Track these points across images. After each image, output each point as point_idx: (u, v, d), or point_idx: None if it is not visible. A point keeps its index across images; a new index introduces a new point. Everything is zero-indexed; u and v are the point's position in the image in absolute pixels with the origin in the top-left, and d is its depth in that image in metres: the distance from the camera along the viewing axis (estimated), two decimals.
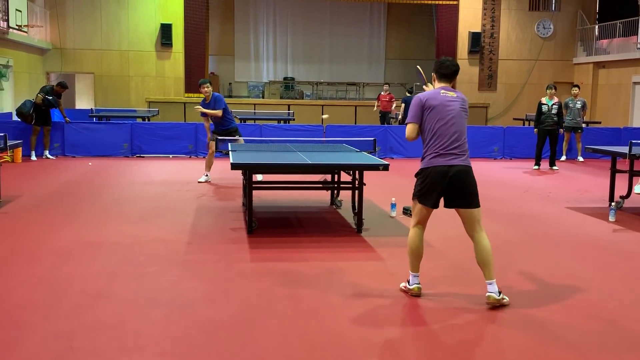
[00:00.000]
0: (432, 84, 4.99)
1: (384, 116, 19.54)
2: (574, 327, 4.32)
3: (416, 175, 4.82)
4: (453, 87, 4.94)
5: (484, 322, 4.41)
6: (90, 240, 6.52)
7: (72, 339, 3.98)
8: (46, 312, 4.45)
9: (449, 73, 4.88)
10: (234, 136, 10.08)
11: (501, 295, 4.60)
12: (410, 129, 4.83)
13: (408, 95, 18.15)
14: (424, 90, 5.01)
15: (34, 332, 4.08)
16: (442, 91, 4.78)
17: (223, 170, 11.36)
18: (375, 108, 19.88)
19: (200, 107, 10.29)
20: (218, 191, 9.85)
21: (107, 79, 21.68)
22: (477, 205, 4.68)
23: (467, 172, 4.65)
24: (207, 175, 10.67)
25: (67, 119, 14.21)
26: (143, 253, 6.08)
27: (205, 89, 10.29)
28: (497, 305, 4.59)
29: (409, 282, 4.86)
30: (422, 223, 4.82)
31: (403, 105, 17.53)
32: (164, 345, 3.95)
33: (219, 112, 10.14)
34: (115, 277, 5.31)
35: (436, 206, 4.74)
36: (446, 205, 4.74)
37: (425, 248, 4.92)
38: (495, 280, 4.62)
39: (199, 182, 10.57)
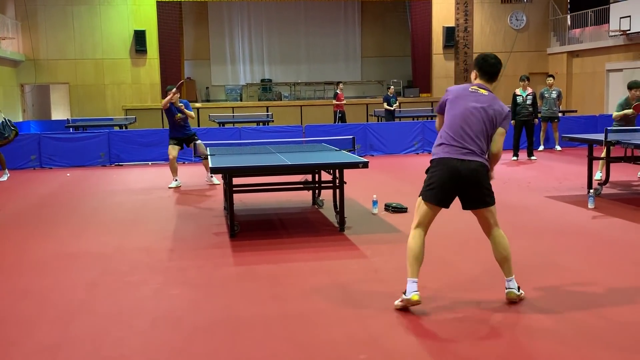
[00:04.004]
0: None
1: (344, 116, 18.92)
2: (554, 314, 4.36)
3: (426, 171, 4.56)
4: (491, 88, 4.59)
5: (477, 314, 4.43)
6: (71, 252, 6.46)
7: (56, 351, 3.93)
8: (29, 325, 4.39)
9: (490, 72, 4.56)
10: (196, 141, 10.53)
11: (520, 290, 4.58)
12: (437, 120, 4.73)
13: (387, 94, 18.17)
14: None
15: (16, 346, 4.03)
16: (473, 87, 4.54)
17: (203, 175, 11.31)
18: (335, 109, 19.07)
19: (182, 106, 10.57)
20: (198, 196, 9.81)
21: (83, 89, 21.51)
22: (492, 203, 4.50)
23: (478, 169, 4.38)
24: (176, 180, 10.67)
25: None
26: (125, 262, 6.03)
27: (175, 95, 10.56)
28: (516, 301, 4.55)
29: (405, 292, 4.41)
30: (423, 224, 4.49)
31: (384, 103, 17.75)
32: (149, 354, 3.92)
33: (192, 114, 10.70)
34: (97, 287, 5.26)
35: (441, 205, 4.45)
36: (463, 207, 4.53)
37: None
38: (514, 276, 4.57)
39: (169, 187, 10.57)
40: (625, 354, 3.74)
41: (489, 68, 4.57)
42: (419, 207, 4.51)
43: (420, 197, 4.51)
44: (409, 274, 4.42)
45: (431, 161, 4.53)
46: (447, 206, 4.49)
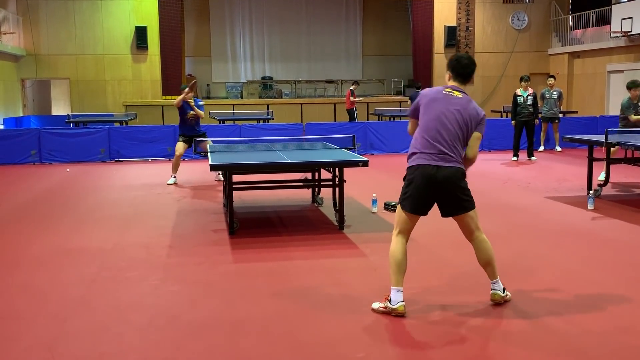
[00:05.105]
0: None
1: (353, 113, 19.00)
2: (553, 313, 4.36)
3: (403, 178, 4.46)
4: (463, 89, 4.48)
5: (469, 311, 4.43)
6: (69, 247, 6.46)
7: (53, 347, 3.93)
8: (27, 321, 4.39)
9: (463, 73, 4.43)
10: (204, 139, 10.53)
11: (505, 292, 4.58)
12: (409, 125, 4.58)
13: (416, 90, 18.09)
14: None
15: (14, 342, 4.03)
16: (447, 89, 4.42)
17: (204, 172, 11.32)
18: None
19: (193, 104, 10.52)
20: (198, 193, 9.80)
21: (83, 84, 21.48)
22: (471, 207, 4.40)
23: (454, 175, 4.28)
24: (174, 177, 10.67)
25: None
26: (124, 258, 6.03)
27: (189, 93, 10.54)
28: (501, 302, 4.54)
29: (389, 300, 4.33)
30: (403, 232, 4.41)
31: (410, 102, 17.65)
32: (147, 350, 3.92)
33: (202, 113, 10.60)
34: (96, 283, 5.26)
35: (418, 213, 4.37)
36: (442, 215, 4.46)
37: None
38: (499, 278, 4.55)
39: (167, 184, 10.57)
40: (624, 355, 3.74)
41: (462, 69, 4.43)
42: (398, 215, 4.44)
43: (399, 205, 4.44)
44: (392, 282, 4.34)
45: (407, 169, 4.43)
46: (424, 214, 4.41)
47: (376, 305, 4.44)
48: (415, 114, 4.51)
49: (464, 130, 4.34)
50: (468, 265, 5.46)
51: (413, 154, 4.41)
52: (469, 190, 4.42)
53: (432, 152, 4.29)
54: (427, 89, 4.56)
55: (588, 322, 4.22)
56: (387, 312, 4.35)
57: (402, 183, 4.48)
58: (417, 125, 4.47)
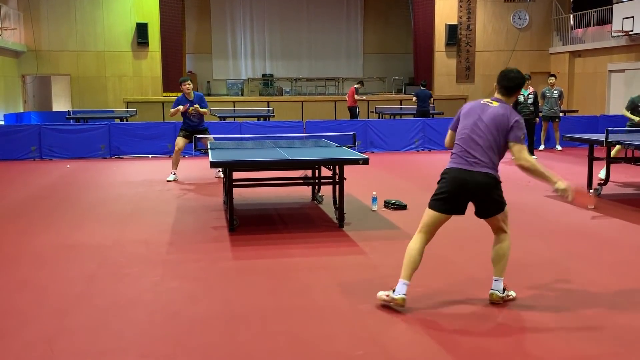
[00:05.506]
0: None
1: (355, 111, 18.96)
2: (552, 313, 4.36)
3: (438, 181, 4.55)
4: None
5: (477, 310, 4.44)
6: (69, 243, 6.46)
7: (53, 343, 3.94)
8: (26, 316, 4.39)
9: (507, 86, 4.53)
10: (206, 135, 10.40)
11: (505, 292, 4.59)
12: (447, 137, 4.72)
13: (422, 88, 18.04)
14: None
15: (14, 338, 4.03)
16: (486, 100, 4.56)
17: (204, 169, 11.32)
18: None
19: (182, 107, 10.35)
20: (198, 190, 9.80)
21: (84, 80, 21.47)
22: (501, 210, 4.50)
23: (485, 182, 4.37)
24: (174, 174, 10.66)
25: None
26: (124, 254, 6.03)
27: (187, 86, 10.40)
28: (499, 302, 4.55)
29: (394, 290, 4.43)
30: (425, 231, 4.49)
31: (414, 98, 17.61)
32: (147, 346, 3.92)
33: (207, 111, 10.52)
34: (95, 279, 5.27)
35: (448, 212, 4.44)
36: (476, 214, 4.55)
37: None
38: (502, 278, 4.57)
39: (167, 180, 10.56)
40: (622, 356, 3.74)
41: (507, 82, 4.55)
42: (425, 214, 4.53)
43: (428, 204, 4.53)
44: (402, 274, 4.45)
45: (443, 171, 4.54)
46: (456, 213, 4.48)
47: (381, 293, 4.53)
48: (454, 126, 4.64)
49: (495, 137, 4.40)
50: (467, 264, 5.46)
51: (450, 158, 4.54)
52: (501, 194, 4.50)
53: (465, 157, 4.42)
54: (468, 102, 4.71)
55: (588, 322, 4.23)
56: (388, 302, 4.44)
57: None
58: (454, 137, 4.58)
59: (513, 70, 4.62)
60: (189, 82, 10.46)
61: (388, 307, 4.46)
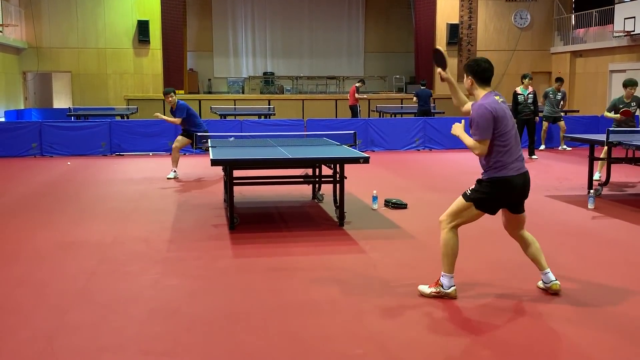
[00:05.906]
0: (466, 83, 4.63)
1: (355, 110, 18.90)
2: (554, 314, 4.36)
3: (480, 181, 4.58)
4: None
5: (482, 310, 4.44)
6: (69, 240, 6.46)
7: (53, 339, 3.94)
8: (27, 313, 4.40)
9: (490, 76, 4.57)
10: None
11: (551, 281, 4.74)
12: (483, 147, 4.43)
13: (422, 87, 18.01)
14: (440, 76, 4.77)
15: (14, 334, 4.03)
16: (496, 97, 4.52)
17: (205, 166, 11.32)
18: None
19: (159, 114, 11.01)
20: (199, 187, 9.80)
21: (85, 77, 21.47)
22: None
23: (529, 179, 4.64)
24: (174, 172, 10.67)
25: None
26: (123, 252, 6.04)
27: (170, 99, 10.60)
28: (560, 290, 4.69)
29: (442, 285, 4.60)
30: (460, 226, 4.66)
31: (415, 98, 17.58)
32: (146, 343, 3.92)
33: (177, 120, 10.63)
34: (95, 276, 5.27)
35: (495, 213, 4.66)
36: (511, 211, 4.70)
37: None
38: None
39: (167, 178, 10.58)
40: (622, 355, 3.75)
41: (490, 74, 4.55)
42: (467, 210, 4.57)
43: (472, 202, 4.54)
44: (445, 269, 4.61)
45: (504, 178, 4.47)
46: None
47: (427, 290, 4.67)
48: (489, 133, 4.41)
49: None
50: (467, 263, 5.46)
51: (499, 165, 4.47)
52: None
53: (522, 159, 4.59)
54: (487, 103, 4.43)
55: (588, 322, 4.23)
56: (440, 296, 4.61)
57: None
58: (488, 145, 4.45)
59: (485, 61, 4.59)
60: (172, 94, 10.59)
61: (387, 306, 4.48)
